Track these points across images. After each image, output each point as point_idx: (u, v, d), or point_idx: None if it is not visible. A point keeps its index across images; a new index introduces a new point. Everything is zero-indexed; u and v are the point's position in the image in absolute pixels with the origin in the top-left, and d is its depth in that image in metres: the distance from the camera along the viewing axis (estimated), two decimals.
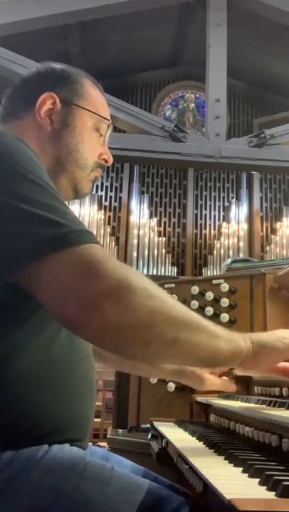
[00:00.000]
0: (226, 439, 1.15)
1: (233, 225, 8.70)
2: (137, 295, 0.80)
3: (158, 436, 1.42)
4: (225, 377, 1.45)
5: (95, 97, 1.18)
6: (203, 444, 1.08)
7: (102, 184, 8.75)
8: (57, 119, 1.12)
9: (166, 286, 1.99)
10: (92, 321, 0.78)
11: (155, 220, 8.69)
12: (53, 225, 0.80)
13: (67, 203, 0.91)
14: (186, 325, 0.84)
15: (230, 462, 0.84)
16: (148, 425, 1.66)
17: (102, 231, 8.43)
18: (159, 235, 8.63)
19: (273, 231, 8.75)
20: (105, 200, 8.74)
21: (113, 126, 1.25)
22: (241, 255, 8.26)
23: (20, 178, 0.83)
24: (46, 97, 1.11)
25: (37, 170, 0.86)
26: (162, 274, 8.24)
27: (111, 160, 1.22)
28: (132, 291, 0.79)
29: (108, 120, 1.19)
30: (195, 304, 1.86)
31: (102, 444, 3.56)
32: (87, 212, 8.42)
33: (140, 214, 8.63)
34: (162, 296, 0.84)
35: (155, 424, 1.50)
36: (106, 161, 1.21)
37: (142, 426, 1.85)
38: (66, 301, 0.79)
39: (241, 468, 0.78)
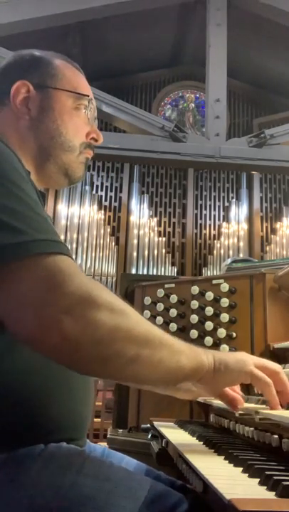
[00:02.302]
0: (226, 439, 1.15)
1: (233, 225, 8.69)
2: (101, 312, 0.77)
3: (158, 436, 1.41)
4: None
5: (70, 76, 1.13)
6: (203, 444, 1.08)
7: (102, 184, 8.75)
8: (34, 106, 1.08)
9: (166, 286, 1.99)
10: (50, 337, 0.76)
11: (155, 220, 8.69)
12: (12, 231, 0.77)
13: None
14: (147, 341, 0.82)
15: (230, 462, 0.84)
16: (148, 425, 1.66)
17: (102, 231, 8.43)
18: (159, 235, 8.62)
19: (273, 231, 8.74)
20: (105, 200, 8.73)
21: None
22: (241, 255, 8.26)
23: None
24: (19, 86, 1.08)
25: (8, 171, 0.83)
26: (162, 274, 8.23)
27: (101, 138, 1.17)
28: (96, 309, 0.77)
29: (87, 96, 1.14)
30: (195, 303, 1.86)
31: (102, 444, 3.55)
32: (87, 213, 8.41)
33: (140, 214, 8.62)
34: (126, 313, 0.81)
35: (155, 424, 1.50)
36: (95, 140, 1.16)
37: (142, 426, 1.85)
38: (23, 315, 0.76)
39: (241, 468, 0.78)
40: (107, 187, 8.76)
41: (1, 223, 0.77)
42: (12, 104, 1.08)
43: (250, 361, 0.97)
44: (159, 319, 1.98)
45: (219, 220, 8.85)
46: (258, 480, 0.69)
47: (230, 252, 8.48)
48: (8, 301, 0.77)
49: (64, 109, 1.11)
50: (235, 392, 1.04)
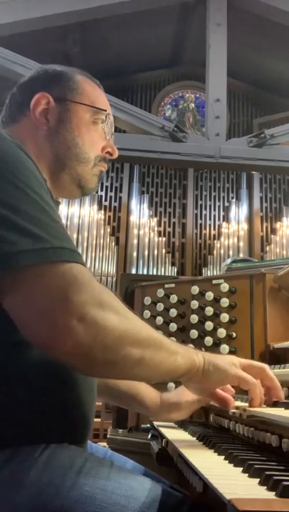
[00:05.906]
0: (226, 439, 1.15)
1: (233, 225, 8.69)
2: (110, 320, 0.81)
3: (158, 436, 1.42)
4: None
5: (89, 91, 1.17)
6: (204, 444, 1.08)
7: (102, 184, 8.74)
8: (52, 118, 1.12)
9: (166, 286, 1.99)
10: (65, 344, 0.79)
11: (155, 220, 8.69)
12: (32, 237, 0.79)
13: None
14: (149, 345, 0.88)
15: (230, 462, 0.84)
16: (148, 425, 1.65)
17: (102, 231, 8.43)
18: (159, 235, 8.63)
19: (273, 231, 8.75)
20: (105, 200, 8.74)
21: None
22: (241, 255, 8.26)
23: (9, 185, 0.82)
24: (39, 98, 1.12)
25: (30, 179, 0.85)
26: (162, 274, 8.24)
27: (116, 152, 1.21)
28: (106, 316, 0.81)
29: (105, 110, 1.17)
30: (195, 303, 1.86)
31: (102, 444, 3.55)
32: (87, 212, 8.41)
33: (140, 214, 8.62)
34: (132, 319, 0.86)
35: (155, 424, 1.50)
36: (110, 154, 1.20)
37: (142, 426, 1.85)
38: (39, 321, 0.78)
39: (241, 468, 0.78)
40: (107, 187, 8.77)
41: (20, 228, 0.79)
42: (32, 115, 1.11)
43: (236, 363, 1.03)
44: (159, 319, 1.98)
45: (219, 220, 8.86)
46: (258, 480, 0.69)
47: (230, 252, 8.49)
48: (23, 306, 0.79)
49: (82, 122, 1.14)
50: (226, 392, 1.10)
